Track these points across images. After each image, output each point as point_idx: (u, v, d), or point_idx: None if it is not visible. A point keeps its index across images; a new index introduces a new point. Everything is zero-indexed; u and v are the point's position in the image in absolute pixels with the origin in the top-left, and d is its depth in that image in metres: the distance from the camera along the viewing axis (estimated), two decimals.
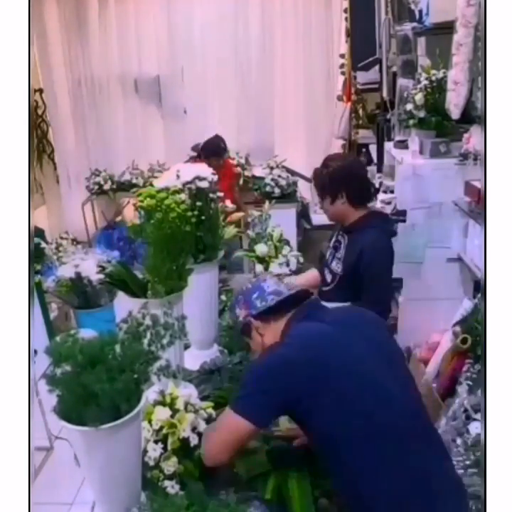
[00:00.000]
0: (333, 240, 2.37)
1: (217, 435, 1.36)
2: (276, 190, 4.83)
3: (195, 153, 4.68)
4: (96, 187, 5.25)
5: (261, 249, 2.57)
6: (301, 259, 2.72)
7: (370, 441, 1.26)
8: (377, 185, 3.53)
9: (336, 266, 2.29)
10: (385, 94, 3.80)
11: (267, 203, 2.98)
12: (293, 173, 4.97)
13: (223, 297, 2.47)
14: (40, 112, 5.33)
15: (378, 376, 1.33)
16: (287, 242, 2.75)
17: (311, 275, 2.51)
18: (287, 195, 4.85)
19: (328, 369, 1.30)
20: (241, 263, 3.58)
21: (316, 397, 1.28)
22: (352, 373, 1.32)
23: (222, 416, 1.38)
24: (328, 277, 2.33)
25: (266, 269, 2.53)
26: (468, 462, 1.89)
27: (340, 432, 1.28)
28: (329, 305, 1.63)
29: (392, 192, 3.23)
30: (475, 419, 2.01)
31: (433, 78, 2.82)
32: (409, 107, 2.92)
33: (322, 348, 1.35)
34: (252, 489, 1.38)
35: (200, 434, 1.41)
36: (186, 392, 1.51)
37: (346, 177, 2.19)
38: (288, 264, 2.57)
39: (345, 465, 1.28)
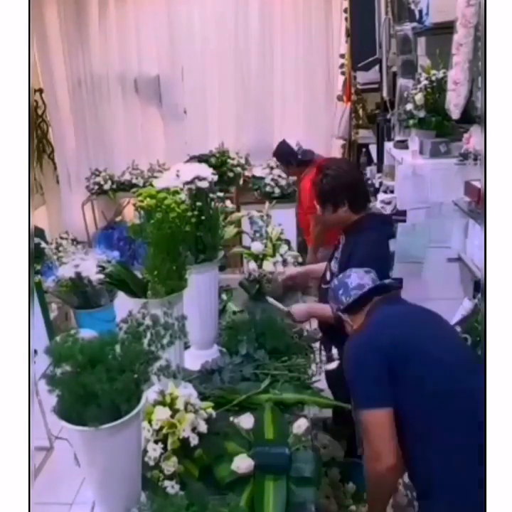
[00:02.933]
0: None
1: (375, 443, 1.45)
2: (276, 190, 4.82)
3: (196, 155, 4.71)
4: (96, 187, 5.24)
5: (256, 247, 2.58)
6: (300, 259, 2.73)
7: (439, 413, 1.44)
8: (377, 185, 3.53)
9: (334, 265, 2.30)
10: (385, 94, 3.80)
11: (267, 203, 2.98)
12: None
13: (224, 297, 2.48)
14: (40, 112, 5.33)
15: (449, 357, 1.52)
16: (288, 242, 2.75)
17: (317, 267, 2.59)
18: (287, 195, 4.84)
19: (408, 346, 1.52)
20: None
21: (402, 368, 1.48)
22: (426, 352, 1.51)
23: (366, 425, 1.48)
24: (328, 275, 2.34)
25: (260, 266, 2.53)
26: None
27: (416, 407, 1.46)
28: None
29: (392, 192, 3.23)
30: None
31: (433, 78, 2.82)
32: (409, 107, 2.92)
33: (402, 325, 1.61)
34: (228, 493, 1.35)
35: (200, 434, 1.41)
36: (186, 392, 1.51)
37: (347, 185, 2.19)
38: (284, 263, 2.57)
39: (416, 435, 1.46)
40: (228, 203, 2.52)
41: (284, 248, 2.63)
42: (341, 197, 2.18)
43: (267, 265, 2.52)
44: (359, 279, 1.74)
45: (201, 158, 4.71)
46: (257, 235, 2.67)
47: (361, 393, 1.50)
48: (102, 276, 2.05)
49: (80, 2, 5.12)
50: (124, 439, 1.16)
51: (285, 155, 3.86)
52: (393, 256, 2.79)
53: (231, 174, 4.97)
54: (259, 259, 2.56)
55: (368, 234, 2.16)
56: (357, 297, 1.70)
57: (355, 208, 2.21)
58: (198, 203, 1.74)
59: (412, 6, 3.04)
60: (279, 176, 4.79)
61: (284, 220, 3.06)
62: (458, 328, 2.28)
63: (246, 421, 1.49)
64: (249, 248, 2.64)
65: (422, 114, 2.87)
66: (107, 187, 5.22)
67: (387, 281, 1.80)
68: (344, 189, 2.19)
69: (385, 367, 1.48)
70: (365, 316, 1.68)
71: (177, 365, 1.46)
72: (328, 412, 2.19)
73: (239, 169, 5.02)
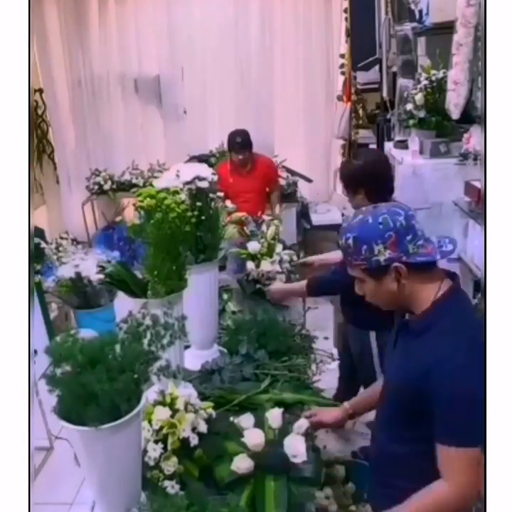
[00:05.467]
0: None
1: (463, 482, 1.21)
2: None
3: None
4: (96, 187, 5.24)
5: (253, 246, 2.58)
6: (295, 258, 2.73)
7: None
8: None
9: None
10: (385, 94, 3.80)
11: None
12: (293, 173, 4.97)
13: (225, 296, 2.48)
14: (40, 111, 5.32)
15: None
16: (282, 242, 2.76)
17: (335, 255, 2.58)
18: (287, 195, 4.85)
19: None
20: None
21: None
22: None
23: (454, 461, 1.22)
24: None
25: (257, 266, 2.53)
26: None
27: None
28: None
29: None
30: None
31: (433, 78, 2.83)
32: (409, 107, 2.92)
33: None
34: (228, 493, 1.35)
35: (200, 434, 1.41)
36: (186, 392, 1.51)
37: (365, 175, 2.23)
38: (281, 262, 2.57)
39: None
40: (228, 203, 2.52)
41: (279, 247, 2.63)
42: (358, 184, 2.23)
43: (265, 265, 2.52)
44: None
45: (201, 158, 4.72)
46: (252, 234, 2.68)
47: (467, 428, 1.19)
48: (102, 276, 2.05)
49: (80, 2, 5.11)
50: (124, 439, 1.16)
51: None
52: None
53: None
54: (256, 258, 2.56)
55: None
56: (438, 258, 1.27)
57: (371, 197, 2.21)
58: (198, 203, 1.74)
59: (412, 6, 3.05)
60: (279, 176, 4.79)
61: (284, 220, 3.06)
62: None
63: (246, 421, 1.49)
64: (245, 248, 2.64)
65: (422, 114, 2.87)
66: (107, 187, 5.22)
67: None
68: (362, 177, 2.23)
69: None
70: (440, 297, 1.27)
71: (177, 365, 1.46)
72: None
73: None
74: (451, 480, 1.22)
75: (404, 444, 1.35)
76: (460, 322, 1.28)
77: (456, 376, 1.20)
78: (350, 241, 1.28)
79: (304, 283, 2.40)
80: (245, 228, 2.77)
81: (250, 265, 2.54)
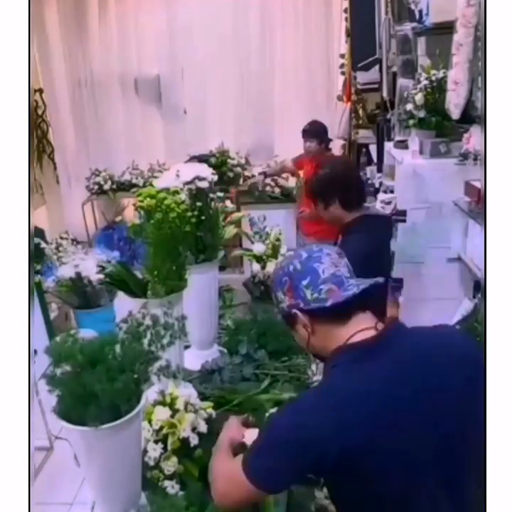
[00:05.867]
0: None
1: (221, 484, 1.17)
2: (276, 190, 4.83)
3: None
4: (96, 187, 5.25)
5: (258, 248, 2.57)
6: None
7: None
8: (377, 185, 3.53)
9: None
10: (385, 94, 3.80)
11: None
12: (293, 173, 4.97)
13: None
14: (40, 112, 5.33)
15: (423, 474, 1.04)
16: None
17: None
18: (287, 195, 4.85)
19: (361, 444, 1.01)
20: None
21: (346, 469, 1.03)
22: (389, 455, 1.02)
23: (232, 465, 1.14)
24: None
25: (263, 268, 2.53)
26: None
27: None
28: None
29: (392, 192, 3.23)
30: None
31: (433, 78, 2.82)
32: (409, 107, 2.92)
33: (362, 417, 1.02)
34: None
35: (200, 434, 1.41)
36: (186, 392, 1.51)
37: (337, 183, 2.18)
38: None
39: None
40: (228, 203, 2.52)
41: (284, 248, 2.63)
42: (331, 194, 2.17)
43: (271, 267, 2.52)
44: (333, 267, 1.15)
45: (201, 159, 4.72)
46: (257, 236, 2.67)
47: (256, 455, 1.09)
48: (102, 276, 2.05)
49: (80, 2, 5.12)
50: (124, 439, 1.16)
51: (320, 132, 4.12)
52: (393, 256, 2.79)
53: (231, 174, 4.97)
54: (262, 260, 2.55)
55: (359, 235, 2.11)
56: (329, 305, 1.12)
57: (346, 206, 2.18)
58: (198, 203, 1.74)
59: (412, 6, 3.04)
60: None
61: (284, 220, 3.06)
62: (458, 328, 2.29)
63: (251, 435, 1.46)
64: (249, 249, 2.64)
65: (422, 114, 2.87)
66: (107, 187, 5.22)
67: (378, 280, 1.19)
68: (334, 187, 2.17)
69: (306, 466, 1.06)
70: (344, 341, 1.13)
71: (177, 365, 1.46)
72: None
73: (239, 169, 5.02)
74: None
75: None
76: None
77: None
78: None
79: None
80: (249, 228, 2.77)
81: (256, 267, 2.54)
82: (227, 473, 1.16)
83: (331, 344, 1.15)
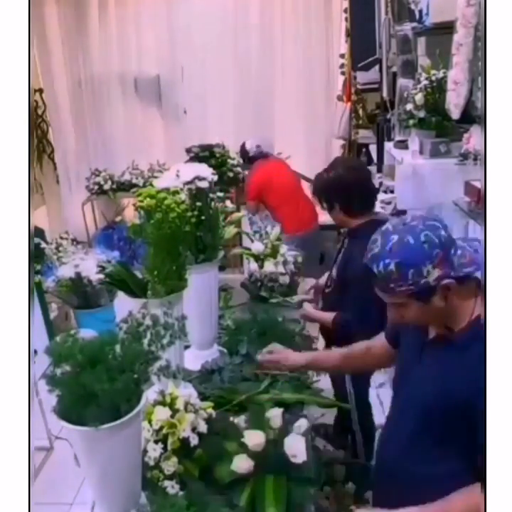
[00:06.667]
0: (340, 242, 2.36)
1: None
2: None
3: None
4: (96, 187, 5.24)
5: (257, 247, 2.57)
6: (300, 259, 2.71)
7: None
8: (377, 185, 3.53)
9: (334, 270, 2.28)
10: (385, 94, 3.80)
11: None
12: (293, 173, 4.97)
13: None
14: (40, 111, 5.33)
15: None
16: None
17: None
18: None
19: None
20: None
21: None
22: None
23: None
24: (329, 280, 2.33)
25: (261, 267, 2.53)
26: None
27: None
28: None
29: (392, 192, 3.23)
30: None
31: (433, 78, 2.82)
32: (409, 107, 2.92)
33: None
34: (228, 493, 1.35)
35: (200, 434, 1.41)
36: (186, 392, 1.51)
37: (338, 189, 2.13)
38: (286, 263, 2.56)
39: None
40: (228, 203, 2.51)
41: (284, 248, 2.62)
42: (332, 199, 2.14)
43: (268, 266, 2.51)
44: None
45: (204, 148, 4.78)
46: (257, 235, 2.67)
47: None
48: (102, 276, 2.04)
49: (80, 2, 5.12)
50: (124, 439, 1.16)
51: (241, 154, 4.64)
52: None
53: (231, 174, 4.97)
54: (260, 259, 2.55)
55: (364, 244, 2.09)
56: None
57: (347, 212, 2.14)
58: (198, 203, 1.74)
59: (412, 6, 3.04)
60: None
61: None
62: None
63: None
64: (249, 248, 2.64)
65: (422, 114, 2.87)
66: (107, 187, 5.22)
67: None
68: (334, 192, 2.14)
69: None
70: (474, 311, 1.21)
71: (177, 365, 1.47)
72: (328, 418, 2.17)
73: (239, 169, 5.02)
74: None
75: (432, 464, 1.25)
76: None
77: None
78: (392, 267, 1.17)
79: (331, 315, 2.21)
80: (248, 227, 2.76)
81: (253, 266, 2.54)
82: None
83: (460, 313, 1.23)
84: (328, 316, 2.22)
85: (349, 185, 2.13)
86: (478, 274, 1.19)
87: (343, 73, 4.81)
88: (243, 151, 4.55)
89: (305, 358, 1.74)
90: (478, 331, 1.16)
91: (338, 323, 2.16)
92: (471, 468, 1.16)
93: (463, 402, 1.17)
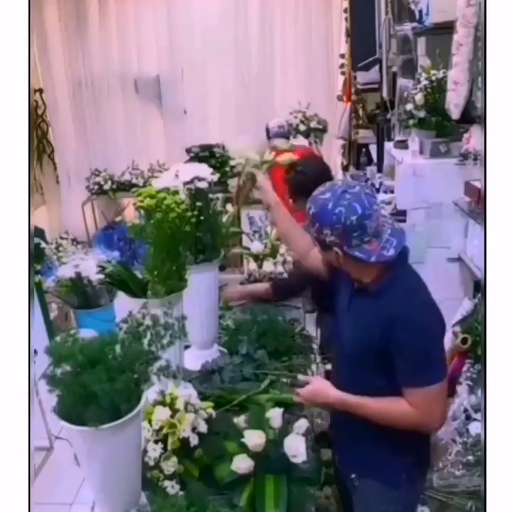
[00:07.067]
0: None
1: (438, 411, 1.43)
2: None
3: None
4: (96, 187, 5.24)
5: (256, 246, 2.57)
6: None
7: None
8: (377, 185, 3.53)
9: None
10: (385, 94, 3.80)
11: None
12: None
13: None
14: (40, 111, 5.33)
15: None
16: None
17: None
18: None
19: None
20: None
21: None
22: None
23: (420, 399, 1.39)
24: None
25: (260, 266, 2.53)
26: (468, 461, 1.90)
27: None
28: None
29: (392, 192, 3.23)
30: (475, 419, 2.01)
31: (433, 78, 2.82)
32: (409, 107, 2.92)
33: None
34: (228, 493, 1.35)
35: (200, 434, 1.41)
36: (186, 392, 1.51)
37: (311, 184, 2.17)
38: (285, 263, 2.56)
39: None
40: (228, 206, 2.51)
41: (283, 247, 2.62)
42: (300, 197, 2.17)
43: (268, 265, 2.52)
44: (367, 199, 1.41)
45: (204, 148, 4.76)
46: (256, 234, 2.67)
47: (433, 367, 1.41)
48: (102, 276, 2.04)
49: (80, 2, 5.12)
50: (124, 439, 1.16)
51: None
52: None
53: (231, 174, 4.97)
54: (259, 259, 2.55)
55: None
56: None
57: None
58: (198, 203, 1.74)
59: (412, 6, 3.04)
60: None
61: None
62: (458, 328, 2.29)
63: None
64: (249, 248, 2.64)
65: (422, 114, 2.87)
66: (107, 187, 5.22)
67: None
68: (308, 189, 2.18)
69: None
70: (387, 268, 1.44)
71: (177, 365, 1.46)
72: (327, 418, 2.17)
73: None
74: (419, 412, 1.40)
75: (371, 395, 1.48)
76: (412, 286, 1.46)
77: (416, 329, 1.39)
78: (310, 212, 1.45)
79: (266, 285, 2.43)
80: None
81: (252, 266, 2.54)
82: (437, 398, 1.42)
83: (362, 273, 1.50)
84: (261, 285, 2.44)
85: (323, 179, 2.27)
86: (372, 260, 1.40)
87: (343, 73, 4.81)
88: (267, 130, 4.57)
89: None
90: (387, 281, 1.44)
91: (276, 288, 2.38)
92: (393, 383, 1.44)
93: (380, 342, 1.42)
